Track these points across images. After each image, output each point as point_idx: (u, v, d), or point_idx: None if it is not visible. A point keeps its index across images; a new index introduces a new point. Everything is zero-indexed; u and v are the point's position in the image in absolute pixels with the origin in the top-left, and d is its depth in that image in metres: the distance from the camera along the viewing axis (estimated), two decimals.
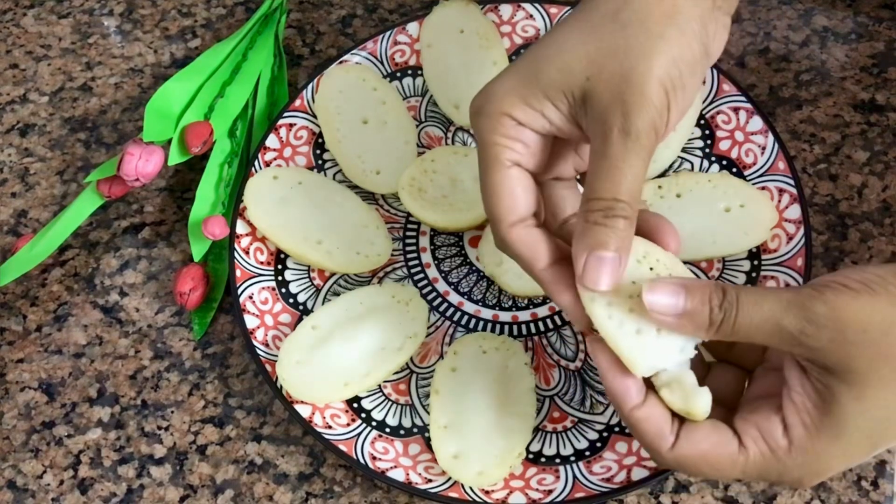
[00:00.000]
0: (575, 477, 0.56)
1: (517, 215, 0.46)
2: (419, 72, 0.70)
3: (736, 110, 0.65)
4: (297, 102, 0.67)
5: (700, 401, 0.44)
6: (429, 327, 0.61)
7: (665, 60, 0.44)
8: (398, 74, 0.70)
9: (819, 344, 0.41)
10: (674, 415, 0.45)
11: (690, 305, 0.43)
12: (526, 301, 0.62)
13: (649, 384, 0.45)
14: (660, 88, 0.43)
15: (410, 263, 0.64)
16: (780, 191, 0.62)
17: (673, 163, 0.65)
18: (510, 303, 0.62)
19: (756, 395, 0.47)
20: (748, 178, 0.64)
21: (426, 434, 0.58)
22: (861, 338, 0.40)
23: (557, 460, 0.57)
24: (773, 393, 0.45)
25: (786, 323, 0.41)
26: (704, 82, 0.66)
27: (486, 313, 0.62)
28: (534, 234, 0.46)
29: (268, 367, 0.58)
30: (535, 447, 0.57)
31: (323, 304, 0.62)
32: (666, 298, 0.43)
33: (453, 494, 0.54)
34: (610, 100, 0.43)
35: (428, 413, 0.58)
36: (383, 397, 0.59)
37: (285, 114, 0.67)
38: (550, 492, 0.55)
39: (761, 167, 0.63)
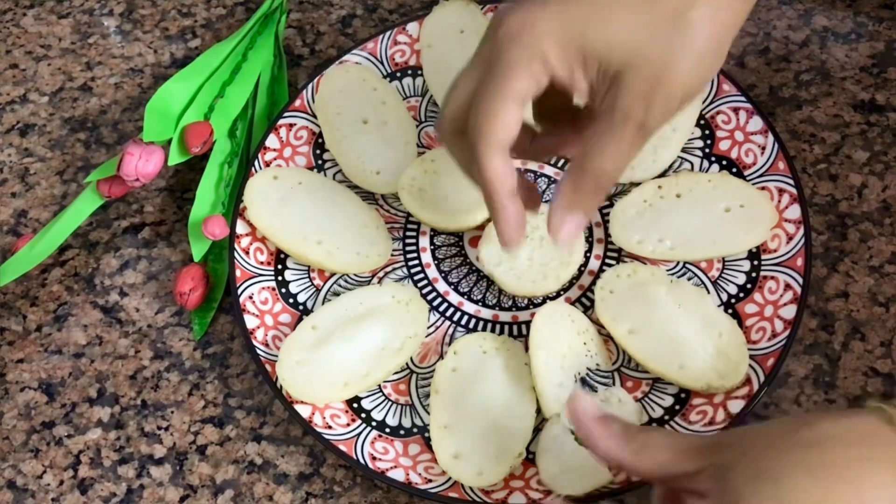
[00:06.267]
0: None
1: (503, 143, 0.47)
2: (419, 72, 0.70)
3: (736, 110, 0.65)
4: (297, 102, 0.67)
5: None
6: (429, 327, 0.61)
7: (690, 65, 0.45)
8: (398, 74, 0.70)
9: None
10: None
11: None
12: (526, 301, 0.62)
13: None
14: (683, 95, 0.46)
15: (410, 263, 0.64)
16: (780, 191, 0.62)
17: (673, 163, 0.65)
18: (510, 303, 0.62)
19: None
20: (748, 178, 0.63)
21: (426, 434, 0.58)
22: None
23: None
24: None
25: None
26: None
27: (486, 313, 0.62)
28: (510, 163, 0.48)
29: (268, 367, 0.58)
30: (535, 447, 0.57)
31: (323, 304, 0.62)
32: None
33: (453, 494, 0.54)
34: (638, 94, 0.45)
35: (428, 413, 0.58)
36: (383, 397, 0.59)
37: (285, 114, 0.67)
38: (550, 492, 0.55)
39: (761, 167, 0.63)
